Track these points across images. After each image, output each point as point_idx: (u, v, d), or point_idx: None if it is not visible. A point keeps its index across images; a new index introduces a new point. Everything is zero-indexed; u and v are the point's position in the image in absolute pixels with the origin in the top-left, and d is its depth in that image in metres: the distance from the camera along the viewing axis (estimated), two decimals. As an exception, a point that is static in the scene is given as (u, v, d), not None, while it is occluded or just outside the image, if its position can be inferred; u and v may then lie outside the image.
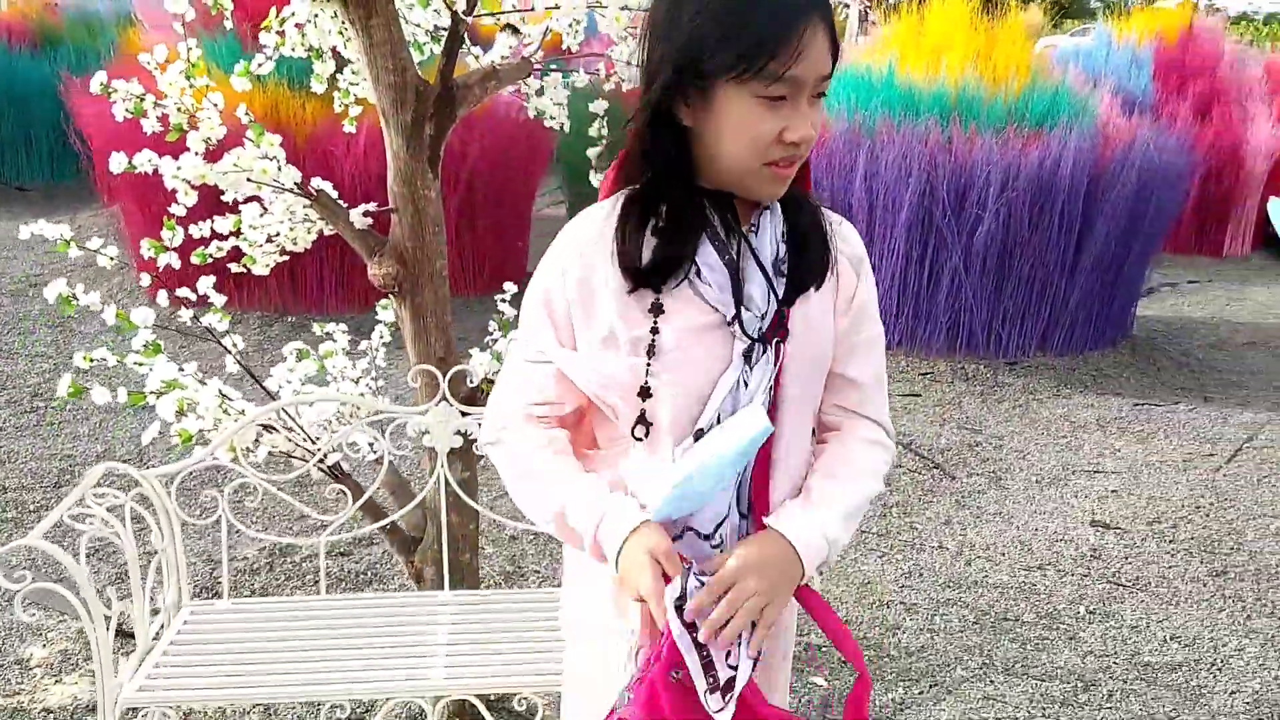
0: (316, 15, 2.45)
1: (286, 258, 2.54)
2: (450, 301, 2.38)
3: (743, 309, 1.25)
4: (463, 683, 2.00)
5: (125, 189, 5.95)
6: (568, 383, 1.31)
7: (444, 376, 2.29)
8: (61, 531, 3.18)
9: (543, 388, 1.33)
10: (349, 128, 2.84)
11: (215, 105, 2.28)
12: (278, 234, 2.52)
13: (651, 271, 1.24)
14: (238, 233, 2.52)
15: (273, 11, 2.61)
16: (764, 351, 1.27)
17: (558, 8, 2.10)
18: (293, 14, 2.52)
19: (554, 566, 3.35)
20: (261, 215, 2.49)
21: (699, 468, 1.22)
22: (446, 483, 2.35)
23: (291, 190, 2.29)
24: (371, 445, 2.59)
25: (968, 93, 5.35)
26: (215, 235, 2.46)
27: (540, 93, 2.59)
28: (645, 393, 1.25)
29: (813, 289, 1.30)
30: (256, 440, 2.44)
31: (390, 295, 2.36)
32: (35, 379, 4.82)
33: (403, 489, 2.60)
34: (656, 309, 1.24)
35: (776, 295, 1.27)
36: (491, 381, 2.37)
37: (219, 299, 2.45)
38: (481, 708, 2.01)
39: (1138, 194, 5.37)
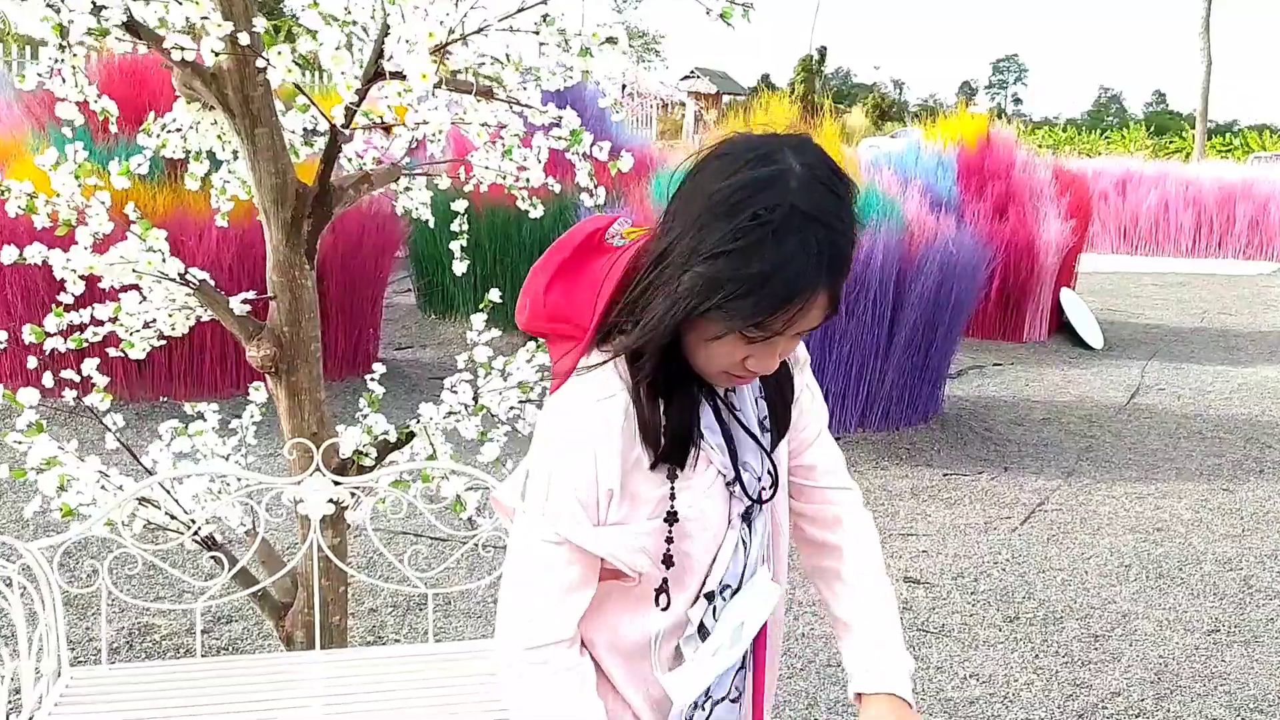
0: (198, 122, 2.67)
1: (163, 343, 2.71)
2: (322, 380, 2.60)
3: (742, 472, 1.33)
4: (339, 727, 2.19)
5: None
6: (591, 560, 1.28)
7: (318, 449, 2.50)
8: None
9: (573, 577, 1.28)
10: (221, 222, 3.04)
11: (103, 203, 2.47)
12: (154, 320, 2.69)
13: (674, 452, 1.28)
14: (114, 319, 2.69)
15: (151, 115, 2.82)
16: (759, 511, 1.37)
17: (426, 123, 2.39)
18: (174, 120, 2.73)
19: (412, 635, 3.52)
20: (140, 303, 2.66)
21: (730, 640, 1.33)
22: (319, 548, 2.54)
23: (174, 280, 2.49)
24: (241, 522, 2.77)
25: (790, 193, 5.88)
26: (94, 321, 2.62)
27: (408, 191, 2.87)
28: (668, 560, 1.30)
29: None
30: (133, 514, 2.58)
31: (267, 375, 2.56)
32: None
33: (273, 558, 2.76)
34: (672, 476, 1.28)
35: (769, 456, 1.36)
36: (362, 453, 2.59)
37: (101, 380, 2.61)
38: (357, 750, 2.20)
39: (940, 285, 5.97)
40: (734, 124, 6.75)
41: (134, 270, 2.45)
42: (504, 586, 1.32)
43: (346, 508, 2.57)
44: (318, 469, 2.51)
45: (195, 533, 2.61)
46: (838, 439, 5.92)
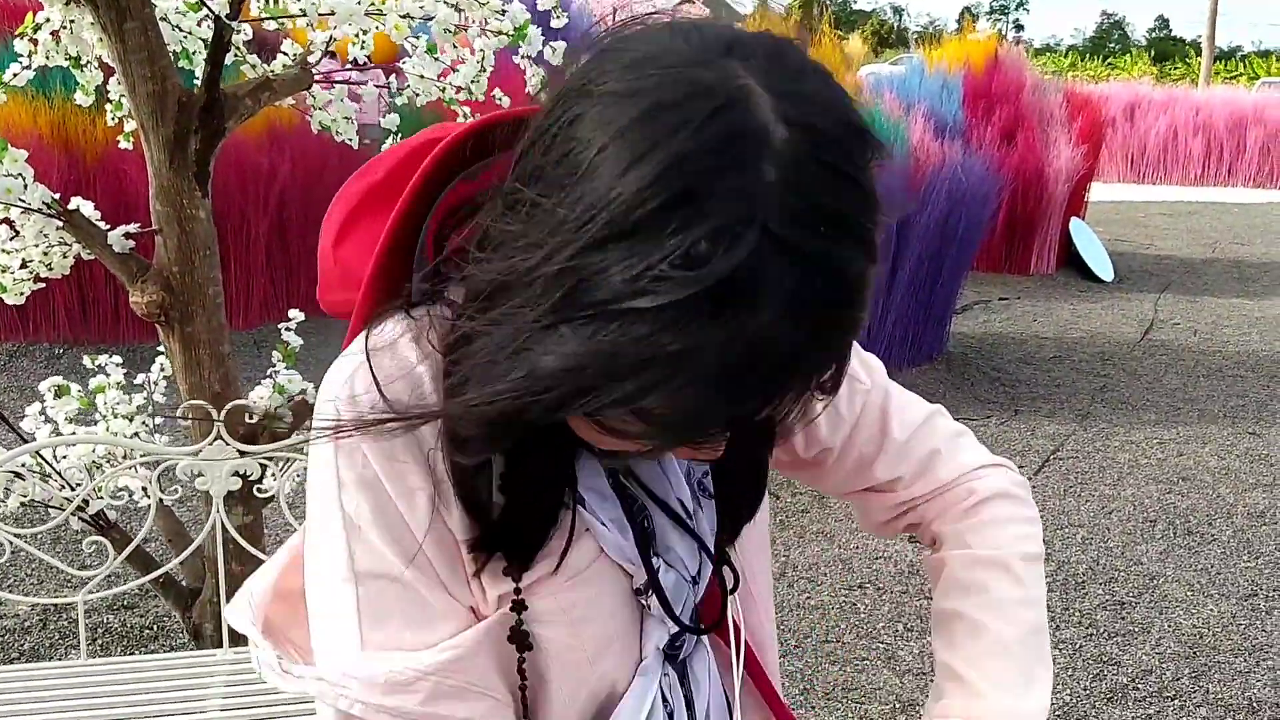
0: (73, 21, 2.23)
1: (42, 285, 2.30)
2: (227, 330, 2.19)
3: (660, 570, 0.75)
4: (234, 753, 1.81)
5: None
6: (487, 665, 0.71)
7: (219, 413, 2.10)
8: None
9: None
10: (125, 143, 2.61)
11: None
12: (32, 260, 2.28)
13: (507, 537, 0.70)
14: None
15: (29, 18, 2.38)
16: (698, 642, 0.80)
17: (333, 14, 1.95)
18: (48, 20, 2.29)
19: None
20: (12, 239, 2.24)
21: None
22: (223, 529, 2.15)
23: (40, 211, 2.07)
24: (145, 490, 2.38)
25: (785, 115, 5.41)
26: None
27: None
28: (525, 709, 0.74)
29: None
30: (7, 490, 2.19)
31: (158, 325, 2.15)
32: None
33: (181, 537, 2.38)
34: (517, 572, 0.70)
35: (707, 549, 0.78)
36: (275, 416, 2.19)
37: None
38: (257, 778, 1.83)
39: (948, 215, 5.53)
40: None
41: (-12, 199, 2.02)
42: None
43: (256, 482, 2.17)
44: (219, 436, 2.11)
45: (82, 508, 2.22)
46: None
